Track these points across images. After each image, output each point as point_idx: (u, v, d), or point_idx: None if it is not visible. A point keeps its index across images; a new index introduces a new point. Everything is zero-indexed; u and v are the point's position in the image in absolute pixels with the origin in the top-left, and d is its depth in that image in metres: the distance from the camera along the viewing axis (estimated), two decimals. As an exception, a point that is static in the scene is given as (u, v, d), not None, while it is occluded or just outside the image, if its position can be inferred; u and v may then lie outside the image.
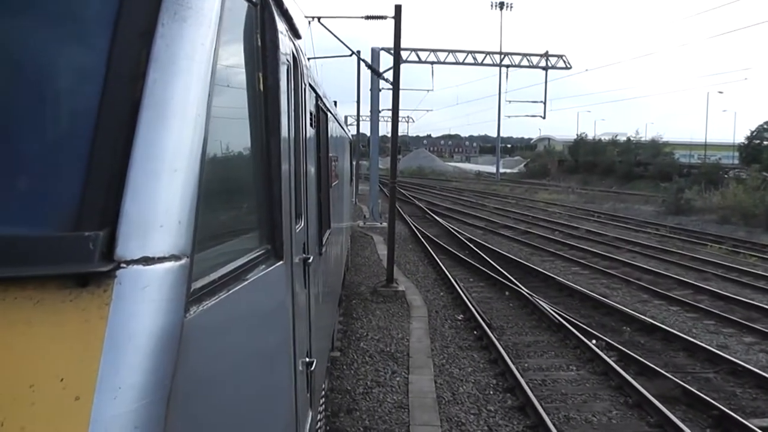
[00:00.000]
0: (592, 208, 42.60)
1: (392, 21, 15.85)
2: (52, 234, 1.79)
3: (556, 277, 18.09)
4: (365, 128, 52.39)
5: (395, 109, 16.44)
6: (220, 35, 2.24)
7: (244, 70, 2.85)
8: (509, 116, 60.39)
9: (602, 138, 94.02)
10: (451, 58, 38.17)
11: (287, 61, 3.59)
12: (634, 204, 47.03)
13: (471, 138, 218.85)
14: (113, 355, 1.65)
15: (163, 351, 1.73)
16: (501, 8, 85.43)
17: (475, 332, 12.98)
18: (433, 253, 22.07)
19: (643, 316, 13.91)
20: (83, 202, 1.81)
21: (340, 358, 11.01)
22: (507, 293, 16.56)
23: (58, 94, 2.03)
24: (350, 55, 19.55)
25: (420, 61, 37.76)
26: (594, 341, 12.03)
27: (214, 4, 2.22)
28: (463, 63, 38.31)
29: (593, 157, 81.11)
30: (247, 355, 2.62)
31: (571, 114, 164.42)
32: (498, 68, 52.25)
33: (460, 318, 14.15)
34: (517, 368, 10.54)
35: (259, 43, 3.07)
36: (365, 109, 39.79)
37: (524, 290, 16.03)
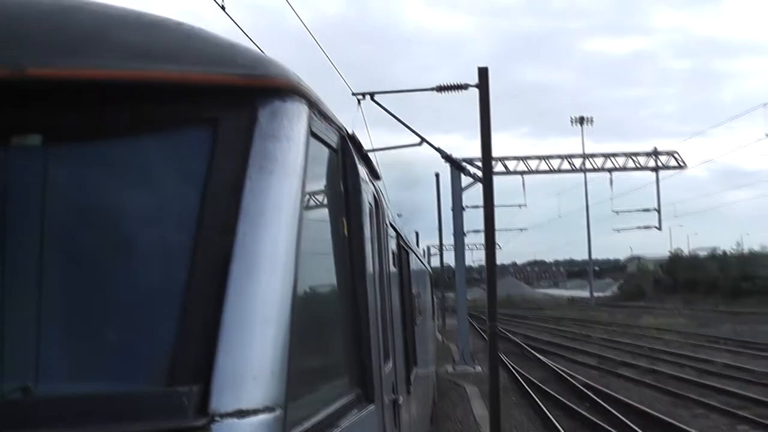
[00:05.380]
0: (711, 333, 37.66)
1: (476, 92, 12.08)
2: (147, 390, 1.81)
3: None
4: (449, 258, 48.96)
5: (489, 213, 12.32)
6: (305, 184, 2.27)
7: (328, 217, 2.85)
8: (618, 230, 55.35)
9: (699, 253, 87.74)
10: (543, 166, 33.88)
11: (369, 204, 3.54)
12: (757, 325, 41.11)
13: (557, 263, 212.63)
14: None
15: None
16: (581, 123, 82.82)
17: None
18: (545, 409, 17.37)
19: None
20: (177, 356, 1.81)
21: None
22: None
23: (152, 248, 2.06)
24: (420, 143, 15.84)
25: (508, 172, 33.62)
26: None
27: (298, 155, 2.24)
28: (558, 170, 33.96)
29: (693, 274, 74.93)
30: None
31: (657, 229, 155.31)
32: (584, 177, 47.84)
33: None
34: None
35: (342, 189, 3.05)
36: (447, 238, 35.94)
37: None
